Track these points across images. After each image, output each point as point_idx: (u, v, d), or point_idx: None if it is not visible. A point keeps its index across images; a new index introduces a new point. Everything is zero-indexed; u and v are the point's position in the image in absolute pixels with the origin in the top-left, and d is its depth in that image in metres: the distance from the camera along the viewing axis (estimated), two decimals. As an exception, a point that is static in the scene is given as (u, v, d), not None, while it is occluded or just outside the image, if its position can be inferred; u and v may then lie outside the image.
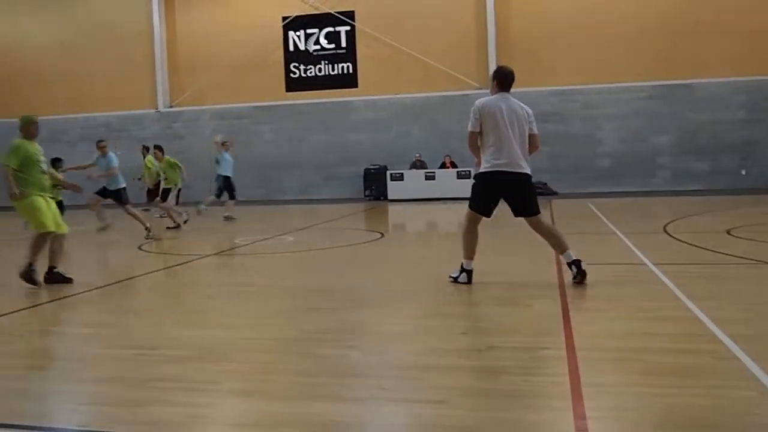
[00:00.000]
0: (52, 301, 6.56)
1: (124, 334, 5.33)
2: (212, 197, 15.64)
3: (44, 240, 7.38)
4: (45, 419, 3.57)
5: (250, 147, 23.45)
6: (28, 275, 7.21)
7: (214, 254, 9.77)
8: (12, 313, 6.04)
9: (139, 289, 7.31)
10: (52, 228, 7.35)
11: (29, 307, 6.26)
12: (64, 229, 7.62)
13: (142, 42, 25.25)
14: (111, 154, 12.39)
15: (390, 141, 23.62)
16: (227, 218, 15.26)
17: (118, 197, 12.35)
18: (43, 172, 7.49)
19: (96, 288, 7.14)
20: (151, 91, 25.50)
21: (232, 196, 15.76)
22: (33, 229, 7.48)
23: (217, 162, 15.63)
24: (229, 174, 15.65)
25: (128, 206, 12.35)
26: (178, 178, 14.81)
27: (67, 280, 7.36)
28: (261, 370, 4.17)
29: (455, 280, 6.62)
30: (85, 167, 13.19)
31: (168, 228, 13.92)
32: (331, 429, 3.23)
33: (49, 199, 7.54)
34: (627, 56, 21.92)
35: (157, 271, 8.40)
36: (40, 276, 7.31)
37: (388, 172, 22.29)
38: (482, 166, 6.46)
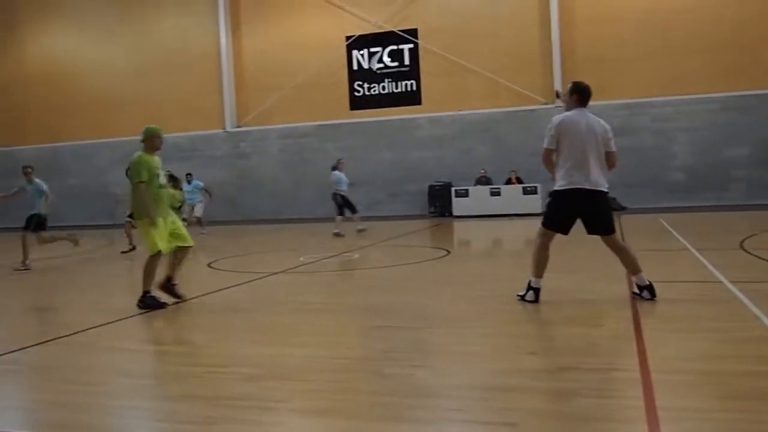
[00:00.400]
0: (125, 318, 6.74)
1: (196, 352, 5.45)
2: (339, 218, 16.27)
3: (155, 263, 7.23)
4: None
5: (316, 165, 23.71)
6: (147, 302, 7.12)
7: (282, 272, 9.89)
8: (86, 330, 6.22)
9: (210, 307, 7.43)
10: (163, 248, 7.19)
11: (103, 324, 6.44)
12: (189, 241, 7.52)
13: (210, 64, 25.93)
14: (38, 180, 12.28)
15: (454, 157, 23.54)
16: (361, 230, 16.09)
17: (40, 224, 12.15)
18: (161, 186, 7.42)
19: (168, 305, 7.29)
20: (219, 112, 26.12)
21: (354, 210, 16.62)
22: (149, 252, 7.25)
23: (335, 181, 16.44)
24: (344, 191, 16.47)
25: (42, 233, 12.20)
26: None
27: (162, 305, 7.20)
28: (330, 389, 4.19)
29: (522, 298, 6.53)
30: (8, 196, 12.87)
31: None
32: (400, 450, 3.22)
33: (166, 216, 7.38)
34: (699, 66, 21.30)
35: (226, 288, 8.54)
36: (163, 297, 7.24)
37: (453, 189, 22.21)
38: (558, 183, 6.37)
